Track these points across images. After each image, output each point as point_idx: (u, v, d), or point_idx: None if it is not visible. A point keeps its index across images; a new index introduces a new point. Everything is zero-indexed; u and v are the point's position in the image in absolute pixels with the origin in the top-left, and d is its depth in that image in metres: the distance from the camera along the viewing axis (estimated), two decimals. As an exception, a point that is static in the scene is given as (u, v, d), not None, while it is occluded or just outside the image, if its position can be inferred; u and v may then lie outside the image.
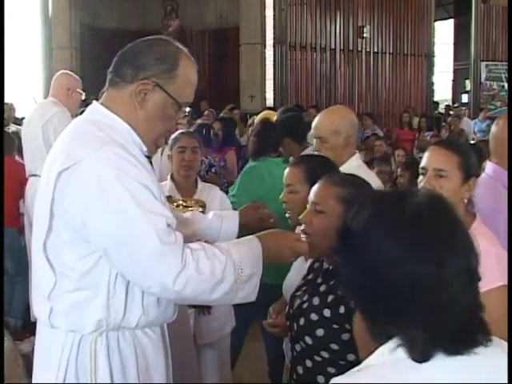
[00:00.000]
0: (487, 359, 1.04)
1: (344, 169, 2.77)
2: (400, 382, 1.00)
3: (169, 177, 3.30)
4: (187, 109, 1.87)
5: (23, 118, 8.23)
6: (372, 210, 1.09)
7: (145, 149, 1.79)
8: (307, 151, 3.80)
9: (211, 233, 2.14)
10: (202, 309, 3.11)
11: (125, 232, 1.61)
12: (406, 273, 1.01)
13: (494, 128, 2.79)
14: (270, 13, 11.56)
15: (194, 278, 1.61)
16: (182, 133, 3.39)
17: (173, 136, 3.32)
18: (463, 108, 14.41)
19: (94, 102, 1.85)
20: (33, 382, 1.87)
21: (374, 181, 2.90)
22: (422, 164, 2.23)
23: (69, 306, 1.71)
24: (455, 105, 16.18)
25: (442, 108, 15.53)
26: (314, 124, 3.02)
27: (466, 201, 2.13)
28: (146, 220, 1.60)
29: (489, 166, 2.76)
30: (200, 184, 3.29)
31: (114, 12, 13.25)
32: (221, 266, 1.66)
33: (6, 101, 8.68)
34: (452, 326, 1.02)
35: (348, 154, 2.94)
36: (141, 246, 1.60)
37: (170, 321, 1.88)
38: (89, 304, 1.70)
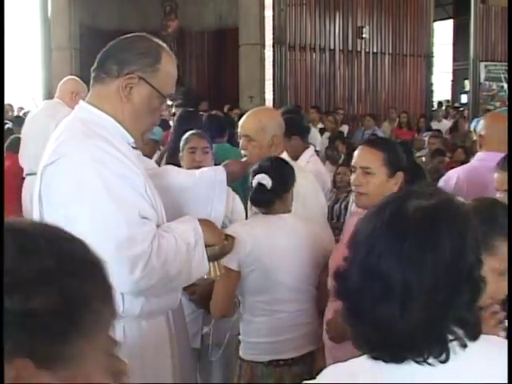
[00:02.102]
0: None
1: None
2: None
3: None
4: (169, 102, 1.97)
5: (21, 116, 8.25)
6: (370, 209, 1.14)
7: (131, 140, 1.87)
8: (309, 151, 3.86)
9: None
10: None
11: (97, 223, 1.69)
12: (367, 272, 1.05)
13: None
14: (269, 13, 11.55)
15: (159, 262, 1.69)
16: (192, 133, 3.40)
17: (183, 137, 3.37)
18: (461, 108, 14.40)
19: (81, 101, 1.93)
20: None
21: (307, 179, 2.98)
22: (352, 163, 2.41)
23: None
24: (455, 104, 16.17)
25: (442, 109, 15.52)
26: (240, 123, 3.05)
27: None
28: (117, 210, 1.68)
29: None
30: None
31: (113, 12, 13.25)
32: (173, 240, 1.75)
33: (10, 101, 8.72)
34: (389, 337, 1.03)
35: (275, 153, 2.96)
36: (111, 235, 1.67)
37: (174, 307, 1.96)
38: None
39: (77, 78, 5.01)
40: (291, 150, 3.96)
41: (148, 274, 1.67)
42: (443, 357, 1.03)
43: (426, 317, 1.02)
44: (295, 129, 3.94)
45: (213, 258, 1.92)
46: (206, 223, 1.92)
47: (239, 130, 3.05)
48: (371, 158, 2.33)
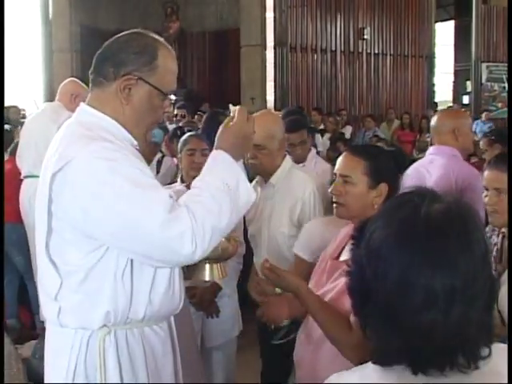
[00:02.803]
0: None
1: (279, 174, 2.95)
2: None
3: (179, 179, 3.31)
4: (172, 97, 1.90)
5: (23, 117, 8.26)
6: (382, 207, 1.13)
7: (135, 143, 1.84)
8: (312, 153, 3.89)
9: None
10: (210, 312, 3.12)
11: (130, 214, 1.63)
12: (392, 275, 1.01)
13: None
14: (270, 14, 11.55)
15: (200, 229, 1.64)
16: (191, 135, 3.41)
17: (182, 138, 3.36)
18: (463, 109, 14.38)
19: (82, 103, 1.89)
20: (44, 381, 1.89)
21: (307, 178, 3.00)
22: (334, 169, 2.27)
23: (77, 302, 1.75)
24: (456, 105, 16.15)
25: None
26: None
27: (376, 206, 2.13)
28: (147, 197, 1.64)
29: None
30: None
31: (114, 14, 13.25)
32: (211, 199, 1.70)
33: (11, 103, 8.72)
34: (420, 344, 1.00)
35: (280, 157, 3.00)
36: (150, 221, 1.62)
37: (177, 312, 1.91)
38: (96, 298, 1.73)
39: (77, 80, 4.97)
40: (305, 148, 4.01)
41: (198, 242, 1.63)
42: (475, 363, 1.01)
43: (466, 321, 1.00)
44: (312, 129, 4.02)
45: (215, 259, 1.90)
46: (231, 137, 1.85)
47: None
48: (352, 165, 2.19)
